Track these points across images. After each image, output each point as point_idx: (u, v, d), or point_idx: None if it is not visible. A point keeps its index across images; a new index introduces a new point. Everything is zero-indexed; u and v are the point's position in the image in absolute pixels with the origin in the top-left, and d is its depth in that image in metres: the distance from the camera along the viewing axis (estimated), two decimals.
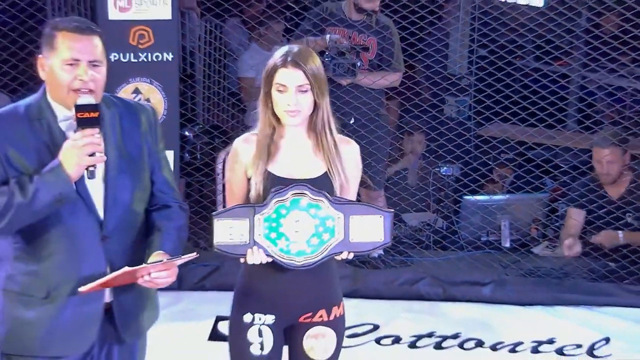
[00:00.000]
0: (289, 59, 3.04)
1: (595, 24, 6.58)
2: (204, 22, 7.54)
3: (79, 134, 2.74)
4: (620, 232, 5.67)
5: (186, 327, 5.01)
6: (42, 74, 2.86)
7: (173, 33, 5.44)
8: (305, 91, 3.05)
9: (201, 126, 7.13)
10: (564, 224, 5.94)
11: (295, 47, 3.11)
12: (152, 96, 5.36)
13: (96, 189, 2.87)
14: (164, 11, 5.29)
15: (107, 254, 2.87)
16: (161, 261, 2.78)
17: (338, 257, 3.09)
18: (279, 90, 3.05)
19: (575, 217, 5.80)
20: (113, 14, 5.23)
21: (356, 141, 3.29)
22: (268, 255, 3.02)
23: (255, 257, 3.01)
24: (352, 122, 5.48)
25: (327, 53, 5.49)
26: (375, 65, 5.71)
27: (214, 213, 3.05)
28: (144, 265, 2.79)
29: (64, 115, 2.83)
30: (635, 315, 5.41)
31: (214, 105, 7.50)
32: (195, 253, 2.89)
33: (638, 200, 5.69)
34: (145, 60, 5.32)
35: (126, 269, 2.75)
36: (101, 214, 2.87)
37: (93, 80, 2.79)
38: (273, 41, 6.67)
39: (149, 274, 2.78)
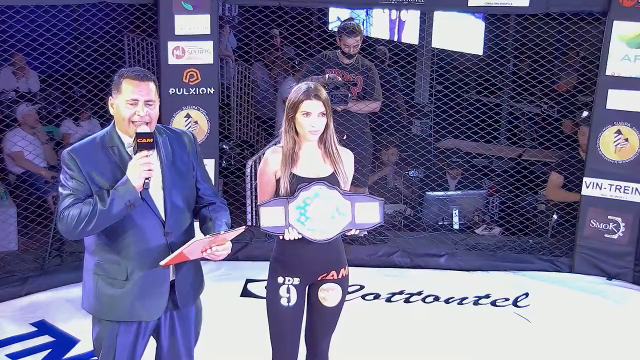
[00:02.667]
0: (312, 93, 3.08)
1: (518, 67, 6.66)
2: (236, 65, 7.68)
3: (139, 155, 2.76)
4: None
5: (224, 287, 5.02)
6: (111, 110, 2.87)
7: (214, 73, 5.41)
8: (323, 116, 3.11)
9: (234, 141, 7.23)
10: (547, 184, 5.82)
11: (312, 84, 3.13)
12: (199, 119, 5.34)
13: (158, 197, 2.88)
14: (208, 58, 5.26)
15: (169, 245, 2.88)
16: (218, 234, 2.82)
17: (349, 233, 3.14)
18: (304, 115, 3.09)
19: (557, 177, 5.70)
20: (171, 60, 5.20)
21: None
22: (299, 233, 3.08)
23: (290, 235, 3.07)
24: (344, 137, 5.41)
25: (326, 87, 5.49)
26: (361, 96, 5.65)
27: (259, 203, 3.10)
28: (207, 236, 2.82)
29: (128, 142, 2.84)
30: (547, 277, 5.48)
31: (244, 126, 7.63)
32: (243, 227, 2.95)
33: None
34: (194, 93, 5.29)
35: (194, 239, 2.79)
36: (163, 216, 2.89)
37: (148, 115, 2.80)
38: (305, 75, 6.75)
39: (211, 248, 2.81)
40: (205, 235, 2.90)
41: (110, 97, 2.86)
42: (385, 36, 8.61)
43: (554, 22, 5.54)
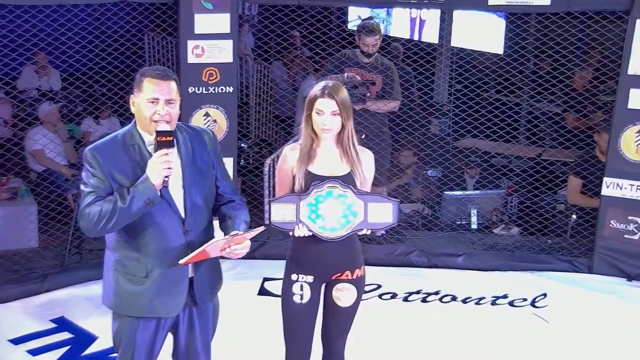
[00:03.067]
0: (326, 91, 3.07)
1: (538, 67, 6.61)
2: (256, 64, 7.70)
3: (158, 153, 2.77)
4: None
5: (241, 285, 5.03)
6: (132, 109, 2.88)
7: (233, 72, 5.41)
8: (336, 115, 3.08)
9: (253, 140, 7.26)
10: (568, 188, 5.80)
11: (330, 83, 3.11)
12: (217, 118, 5.35)
13: (177, 195, 2.88)
14: (227, 56, 5.27)
15: (188, 243, 2.88)
16: (237, 234, 2.82)
17: (360, 233, 3.13)
18: (317, 113, 3.09)
19: (575, 182, 5.69)
20: (191, 59, 5.21)
21: None
22: (309, 230, 3.08)
23: (300, 232, 3.07)
24: (362, 137, 5.25)
25: (345, 86, 5.43)
26: (380, 95, 5.60)
27: (270, 199, 3.10)
28: (227, 237, 2.82)
29: (149, 141, 2.85)
30: (565, 277, 5.45)
31: (262, 125, 7.66)
32: (262, 227, 2.93)
33: None
34: (213, 92, 5.29)
35: (213, 240, 2.79)
36: (182, 213, 2.89)
37: (168, 113, 2.80)
38: (324, 74, 6.73)
39: (229, 246, 2.82)
40: (224, 233, 2.91)
41: (131, 96, 2.87)
42: (406, 35, 8.58)
43: (576, 20, 5.50)
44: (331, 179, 3.10)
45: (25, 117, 5.97)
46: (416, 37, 8.39)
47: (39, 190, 5.89)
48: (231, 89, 5.36)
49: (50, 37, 5.38)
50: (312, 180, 3.10)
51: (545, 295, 5.14)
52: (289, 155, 3.18)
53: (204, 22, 5.19)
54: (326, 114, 3.08)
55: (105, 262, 3.00)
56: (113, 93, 5.49)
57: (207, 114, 5.35)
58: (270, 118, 7.65)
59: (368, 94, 5.50)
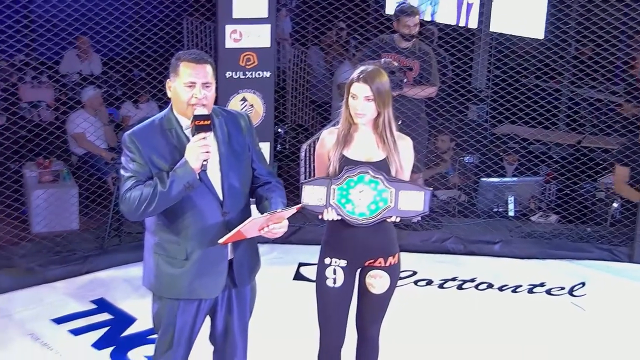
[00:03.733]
0: (361, 76, 3.05)
1: (580, 52, 6.48)
2: (293, 49, 7.68)
3: (197, 137, 2.77)
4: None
5: (277, 270, 5.04)
6: (169, 94, 2.88)
7: (271, 57, 5.38)
8: (369, 100, 3.06)
9: (289, 125, 7.26)
10: (614, 177, 5.68)
11: (369, 67, 3.09)
12: (254, 103, 5.34)
13: (215, 178, 2.89)
14: (265, 41, 5.25)
15: (227, 225, 2.89)
16: (276, 212, 2.82)
17: (389, 220, 3.11)
18: (352, 97, 3.08)
19: (621, 171, 5.58)
20: (229, 44, 5.19)
21: None
22: (338, 215, 3.07)
23: (329, 215, 3.07)
24: (399, 123, 5.21)
25: None
26: (417, 81, 5.55)
27: (302, 181, 3.11)
28: (264, 214, 2.82)
29: (186, 125, 2.85)
30: (604, 266, 5.37)
31: (299, 110, 7.65)
32: (300, 204, 2.95)
33: None
34: (250, 77, 5.28)
35: (252, 218, 2.79)
36: (220, 196, 2.90)
37: (205, 97, 2.80)
38: (361, 60, 6.71)
39: (268, 225, 2.82)
40: (262, 213, 2.92)
41: (168, 80, 2.88)
42: (452, 21, 8.44)
43: (620, 3, 5.37)
44: (364, 164, 3.09)
45: (67, 100, 6.06)
46: (462, 23, 8.23)
47: (79, 174, 5.98)
48: (268, 74, 5.34)
49: (91, 22, 5.42)
50: (346, 164, 3.09)
51: (583, 284, 5.07)
52: (327, 139, 3.17)
53: (242, 7, 5.17)
54: (359, 99, 3.06)
55: (146, 245, 3.02)
56: (152, 77, 5.52)
57: (244, 99, 5.34)
58: (307, 103, 7.63)
59: (405, 80, 5.45)
